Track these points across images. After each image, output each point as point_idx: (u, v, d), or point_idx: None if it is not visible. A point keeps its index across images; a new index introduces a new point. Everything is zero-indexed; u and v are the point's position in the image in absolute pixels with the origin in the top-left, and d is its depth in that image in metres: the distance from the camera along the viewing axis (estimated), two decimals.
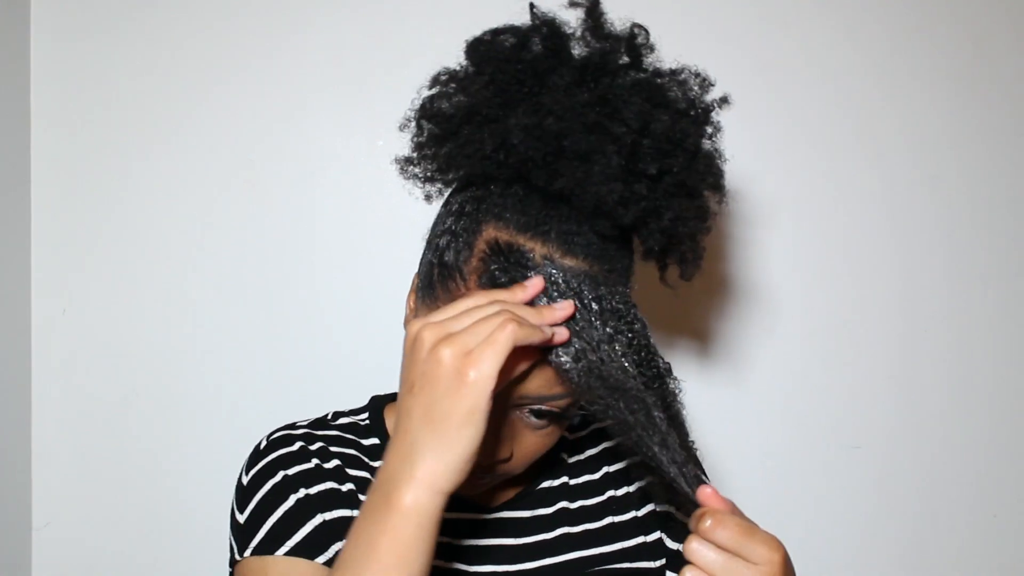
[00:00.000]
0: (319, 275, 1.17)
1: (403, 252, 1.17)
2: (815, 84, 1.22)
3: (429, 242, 0.75)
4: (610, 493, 0.86)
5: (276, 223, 1.17)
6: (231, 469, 1.03)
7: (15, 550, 1.13)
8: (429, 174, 0.73)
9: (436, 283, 0.70)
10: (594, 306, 0.66)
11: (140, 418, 1.17)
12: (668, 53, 0.72)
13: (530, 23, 0.70)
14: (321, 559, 0.74)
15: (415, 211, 1.17)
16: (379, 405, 0.87)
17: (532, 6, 0.71)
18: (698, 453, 0.76)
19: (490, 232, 0.68)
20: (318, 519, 0.75)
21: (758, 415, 1.24)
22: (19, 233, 1.13)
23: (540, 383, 0.68)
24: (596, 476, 0.87)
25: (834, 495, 1.25)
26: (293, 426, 0.83)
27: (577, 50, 0.70)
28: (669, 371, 0.67)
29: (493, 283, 0.66)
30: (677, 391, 0.67)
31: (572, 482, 0.86)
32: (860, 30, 1.23)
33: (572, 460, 0.88)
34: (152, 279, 1.16)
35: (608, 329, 0.66)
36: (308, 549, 0.74)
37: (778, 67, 1.22)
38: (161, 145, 1.15)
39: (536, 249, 0.67)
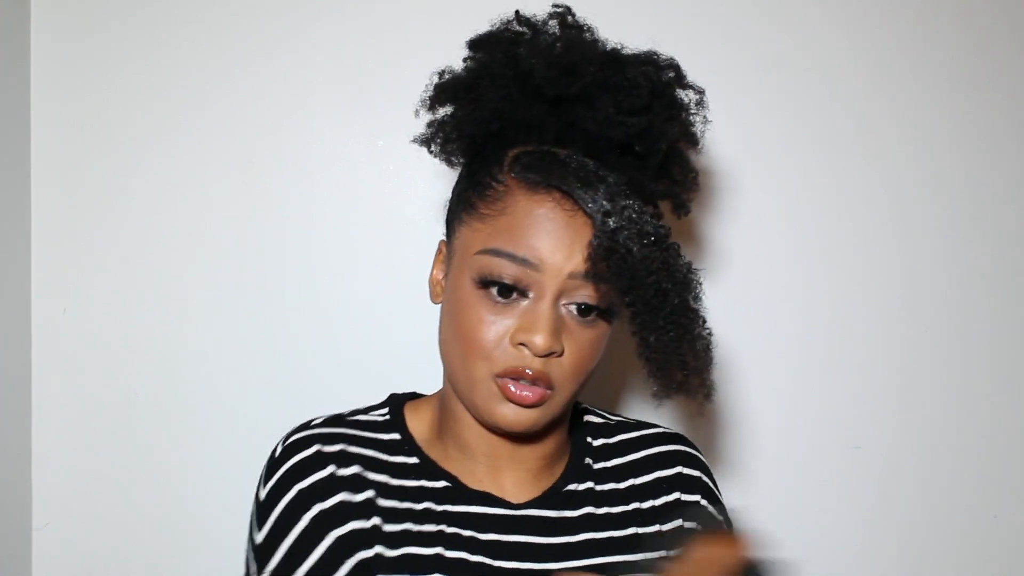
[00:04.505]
0: (319, 274, 1.17)
1: (403, 252, 1.17)
2: (815, 84, 1.22)
3: (455, 195, 0.83)
4: (635, 505, 0.87)
5: (276, 223, 1.17)
6: (232, 468, 1.04)
7: (15, 550, 1.13)
8: (454, 137, 0.82)
9: (477, 201, 0.78)
10: (618, 201, 0.72)
11: (140, 418, 1.17)
12: (668, 53, 0.82)
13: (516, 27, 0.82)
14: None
15: (415, 211, 1.18)
16: (399, 402, 0.89)
17: (517, 12, 0.83)
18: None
19: (515, 151, 0.78)
20: (331, 537, 0.76)
21: (759, 415, 1.24)
22: (19, 233, 1.13)
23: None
24: (622, 486, 0.88)
25: (834, 495, 1.25)
26: (308, 425, 0.83)
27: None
28: (690, 267, 0.74)
29: (528, 168, 0.75)
30: (698, 284, 0.74)
31: (598, 488, 0.86)
32: (860, 30, 1.23)
33: (598, 467, 0.88)
34: (153, 279, 1.16)
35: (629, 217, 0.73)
36: (323, 569, 0.76)
37: (778, 67, 1.22)
38: (161, 145, 1.15)
39: (561, 152, 0.76)
